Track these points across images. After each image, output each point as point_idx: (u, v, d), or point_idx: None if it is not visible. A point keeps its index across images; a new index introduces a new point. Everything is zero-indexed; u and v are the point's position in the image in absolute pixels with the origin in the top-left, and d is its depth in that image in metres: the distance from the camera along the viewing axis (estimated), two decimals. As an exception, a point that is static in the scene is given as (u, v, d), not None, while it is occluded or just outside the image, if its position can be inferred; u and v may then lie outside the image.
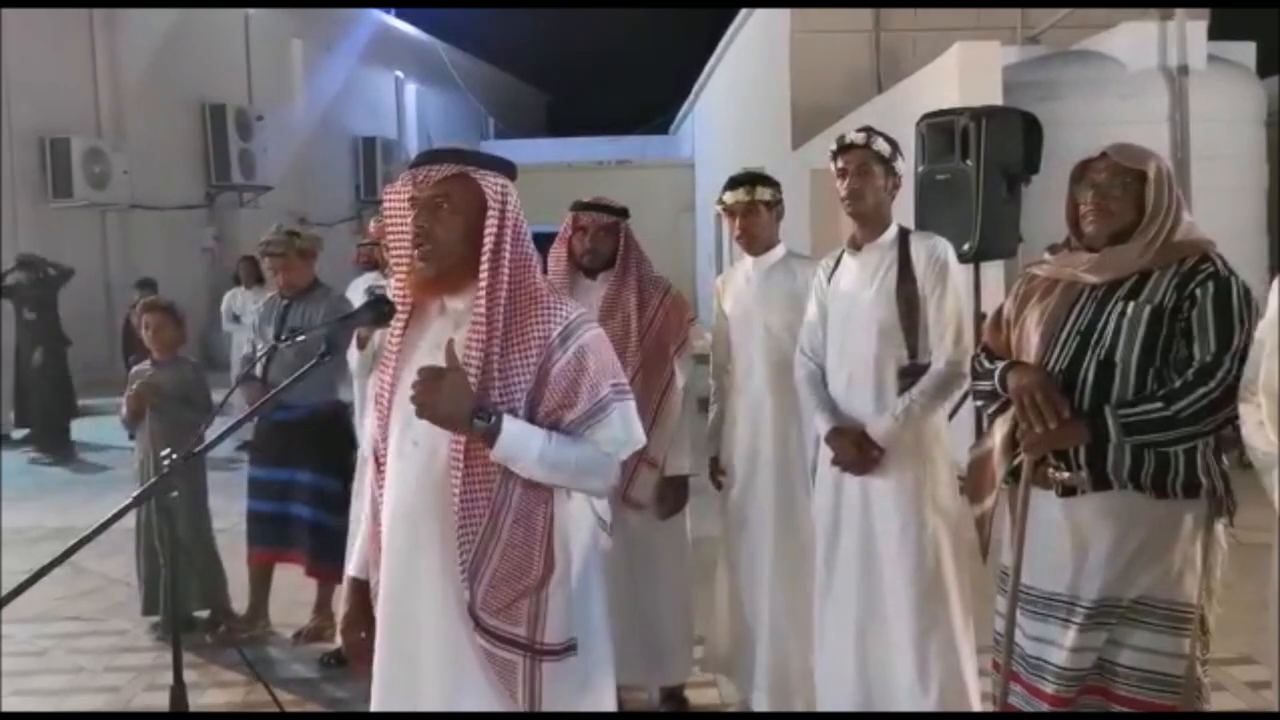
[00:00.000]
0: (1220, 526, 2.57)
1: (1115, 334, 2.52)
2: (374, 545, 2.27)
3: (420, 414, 2.03)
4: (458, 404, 2.02)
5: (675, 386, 3.75)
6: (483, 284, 2.10)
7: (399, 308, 2.24)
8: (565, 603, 2.18)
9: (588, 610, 2.25)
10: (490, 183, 2.14)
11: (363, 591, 2.32)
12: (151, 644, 4.85)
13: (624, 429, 2.17)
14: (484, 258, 2.10)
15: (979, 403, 2.83)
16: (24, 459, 9.89)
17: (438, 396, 2.02)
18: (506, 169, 2.19)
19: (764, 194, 3.68)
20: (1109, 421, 2.47)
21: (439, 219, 2.13)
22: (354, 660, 2.37)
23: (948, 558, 3.23)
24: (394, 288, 2.26)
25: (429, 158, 2.16)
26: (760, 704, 3.70)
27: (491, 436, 2.03)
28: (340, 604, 2.39)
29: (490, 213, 2.12)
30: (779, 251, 3.76)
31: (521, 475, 2.09)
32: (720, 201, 3.75)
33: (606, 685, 2.31)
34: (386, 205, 2.24)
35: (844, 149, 3.29)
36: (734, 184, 3.72)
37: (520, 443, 2.05)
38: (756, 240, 3.72)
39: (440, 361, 2.07)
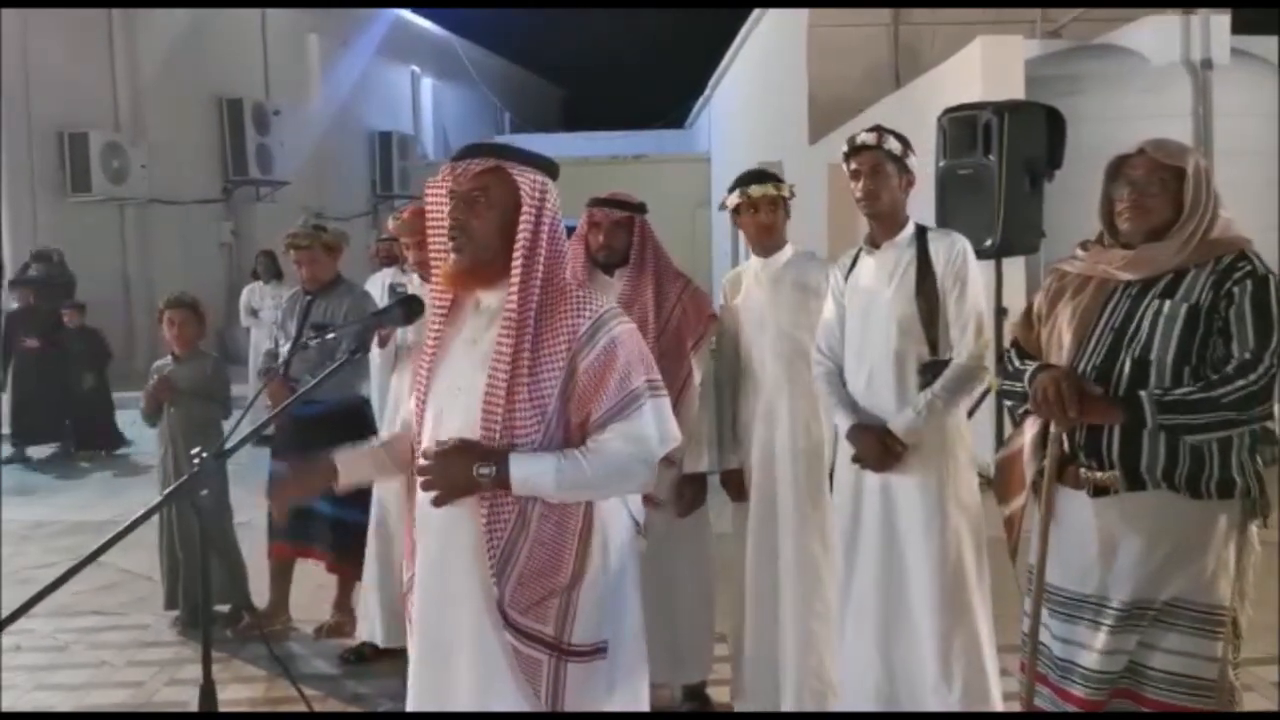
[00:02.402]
0: (1254, 528, 2.54)
1: (1150, 332, 2.49)
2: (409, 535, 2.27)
3: (436, 504, 2.08)
4: (456, 474, 2.05)
5: (693, 383, 3.72)
6: (515, 280, 2.10)
7: (439, 302, 2.23)
8: (597, 604, 2.17)
9: (622, 612, 2.23)
10: (527, 179, 2.14)
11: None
12: (173, 638, 4.87)
13: (656, 424, 2.15)
14: (517, 254, 2.11)
15: (1009, 403, 2.81)
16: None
17: (440, 481, 2.06)
18: (547, 167, 2.20)
19: (785, 190, 3.65)
20: (1144, 404, 2.43)
21: (475, 212, 2.14)
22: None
23: (970, 554, 3.21)
24: (432, 281, 2.26)
25: (469, 152, 2.17)
26: (783, 704, 3.67)
27: (503, 481, 2.04)
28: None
29: (525, 210, 2.13)
30: (787, 252, 3.71)
31: (553, 501, 2.10)
32: (745, 195, 3.63)
33: (637, 690, 2.27)
34: (427, 198, 2.25)
35: (856, 150, 3.26)
36: (759, 178, 3.65)
37: (534, 476, 2.06)
38: (776, 237, 3.67)
39: (477, 351, 2.11)
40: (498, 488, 2.05)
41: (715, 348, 3.90)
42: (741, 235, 3.80)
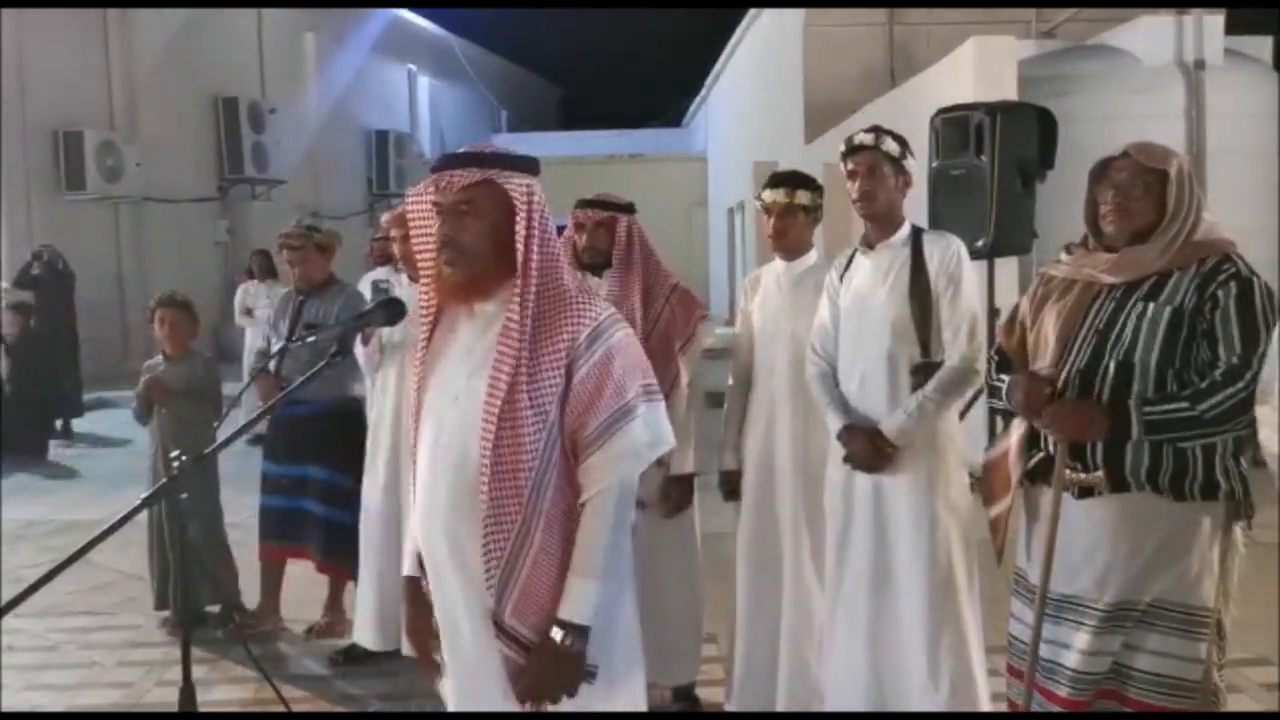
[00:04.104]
0: (1238, 530, 2.55)
1: (1134, 334, 2.50)
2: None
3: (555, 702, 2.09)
4: (564, 675, 2.07)
5: (680, 385, 3.71)
6: (518, 287, 2.07)
7: (425, 311, 2.21)
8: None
9: (614, 632, 2.18)
10: (515, 185, 2.10)
11: (419, 591, 2.26)
12: (163, 639, 4.86)
13: (648, 434, 2.11)
14: (519, 260, 2.08)
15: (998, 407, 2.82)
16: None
17: (559, 690, 2.07)
18: (529, 166, 2.15)
19: (803, 197, 3.60)
20: (1132, 418, 2.44)
21: (464, 226, 2.10)
22: (422, 668, 2.32)
23: (959, 555, 3.21)
24: (420, 291, 2.24)
25: (451, 162, 2.12)
26: (778, 707, 3.67)
27: (585, 629, 2.06)
28: (402, 608, 2.36)
29: (519, 216, 2.09)
30: (811, 257, 3.69)
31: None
32: (759, 198, 3.67)
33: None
34: (409, 208, 2.22)
35: (853, 150, 3.26)
36: (775, 182, 3.64)
37: (585, 594, 2.07)
38: (789, 243, 3.64)
39: (473, 359, 2.10)
40: (582, 637, 2.06)
41: (729, 347, 3.90)
42: (740, 235, 3.81)
